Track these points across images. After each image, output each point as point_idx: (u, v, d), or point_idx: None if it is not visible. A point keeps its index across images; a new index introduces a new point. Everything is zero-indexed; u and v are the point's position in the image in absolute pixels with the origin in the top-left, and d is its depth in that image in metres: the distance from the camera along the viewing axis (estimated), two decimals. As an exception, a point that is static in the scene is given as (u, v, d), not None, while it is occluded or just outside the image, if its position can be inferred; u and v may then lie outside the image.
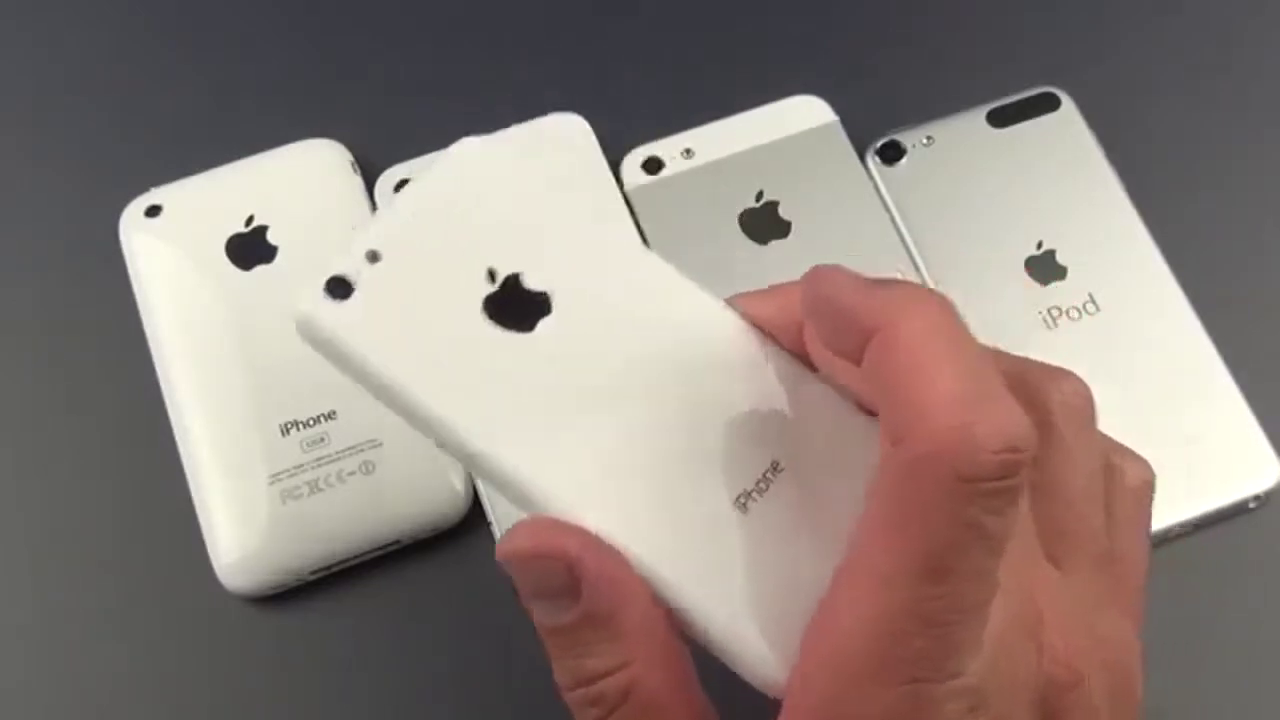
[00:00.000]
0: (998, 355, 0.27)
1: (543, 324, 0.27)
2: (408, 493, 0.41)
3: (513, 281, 0.27)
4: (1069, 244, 0.45)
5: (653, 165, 0.46)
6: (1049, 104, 0.47)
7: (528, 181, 0.28)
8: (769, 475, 0.27)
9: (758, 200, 0.46)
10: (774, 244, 0.45)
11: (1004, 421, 0.22)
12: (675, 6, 0.51)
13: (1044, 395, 0.27)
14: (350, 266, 0.26)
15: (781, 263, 0.45)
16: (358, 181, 0.46)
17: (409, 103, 0.49)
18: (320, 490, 0.41)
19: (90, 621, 0.41)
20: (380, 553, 0.42)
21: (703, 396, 0.27)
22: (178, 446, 0.42)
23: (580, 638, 0.25)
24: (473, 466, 0.27)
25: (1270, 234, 0.47)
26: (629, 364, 0.27)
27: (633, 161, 0.46)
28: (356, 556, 0.41)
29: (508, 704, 0.41)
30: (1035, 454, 0.23)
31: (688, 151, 0.47)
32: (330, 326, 0.26)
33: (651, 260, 0.29)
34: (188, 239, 0.45)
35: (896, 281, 0.26)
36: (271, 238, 0.45)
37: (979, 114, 0.47)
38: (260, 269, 0.44)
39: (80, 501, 0.43)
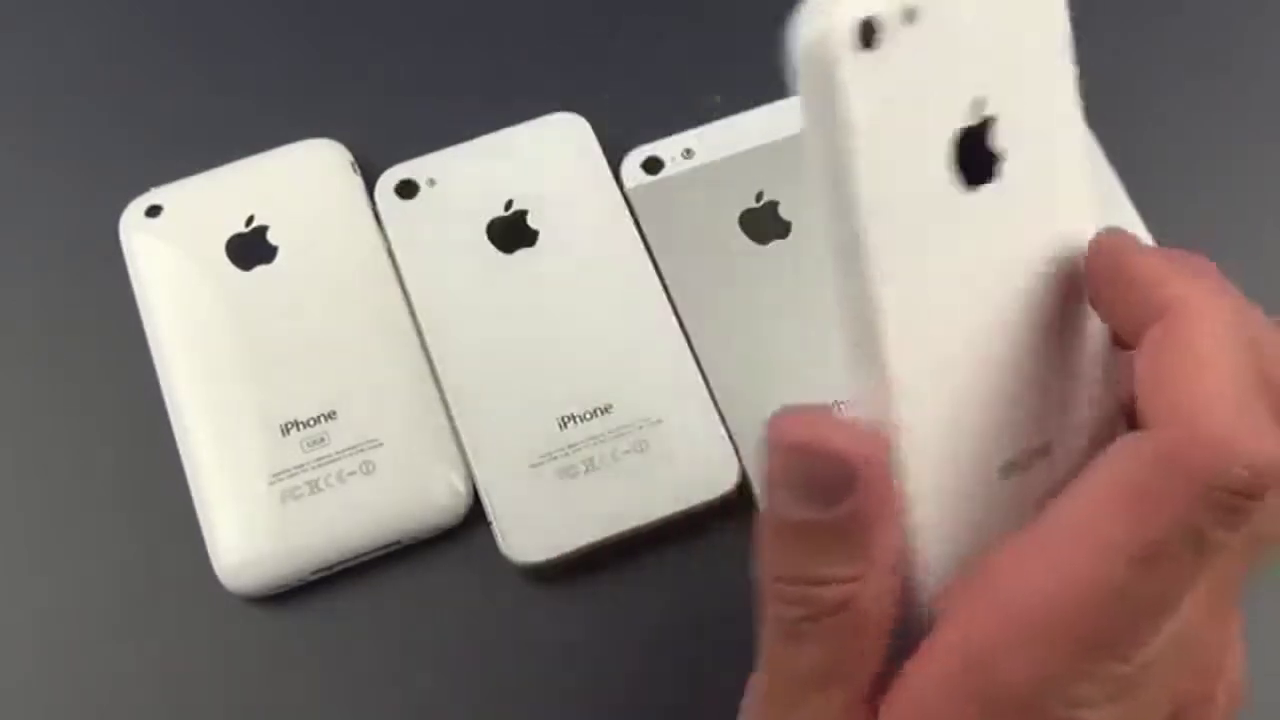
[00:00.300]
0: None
1: (992, 186, 0.24)
2: (408, 493, 0.41)
3: (989, 124, 0.24)
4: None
5: (653, 165, 0.46)
6: (1049, 104, 0.47)
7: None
8: (1038, 454, 0.26)
9: (758, 200, 0.46)
10: (774, 244, 0.45)
11: (1267, 445, 0.23)
12: (675, 7, 0.51)
13: None
14: (890, 15, 0.22)
15: (782, 263, 0.45)
16: (358, 181, 0.46)
17: (409, 103, 0.49)
18: (320, 490, 0.41)
19: (90, 621, 0.41)
20: (380, 553, 0.42)
21: (1039, 351, 0.26)
22: (178, 446, 0.42)
23: (825, 537, 0.25)
24: (848, 291, 0.25)
25: (1270, 234, 0.47)
26: (1019, 283, 0.25)
27: (633, 161, 0.46)
28: (356, 556, 0.41)
29: (508, 703, 0.41)
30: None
31: (688, 151, 0.47)
32: (847, 73, 0.22)
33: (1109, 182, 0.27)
34: (188, 239, 0.45)
35: (1194, 264, 0.26)
36: (271, 238, 0.45)
37: (979, 114, 0.47)
38: (260, 269, 0.44)
39: (80, 501, 0.43)
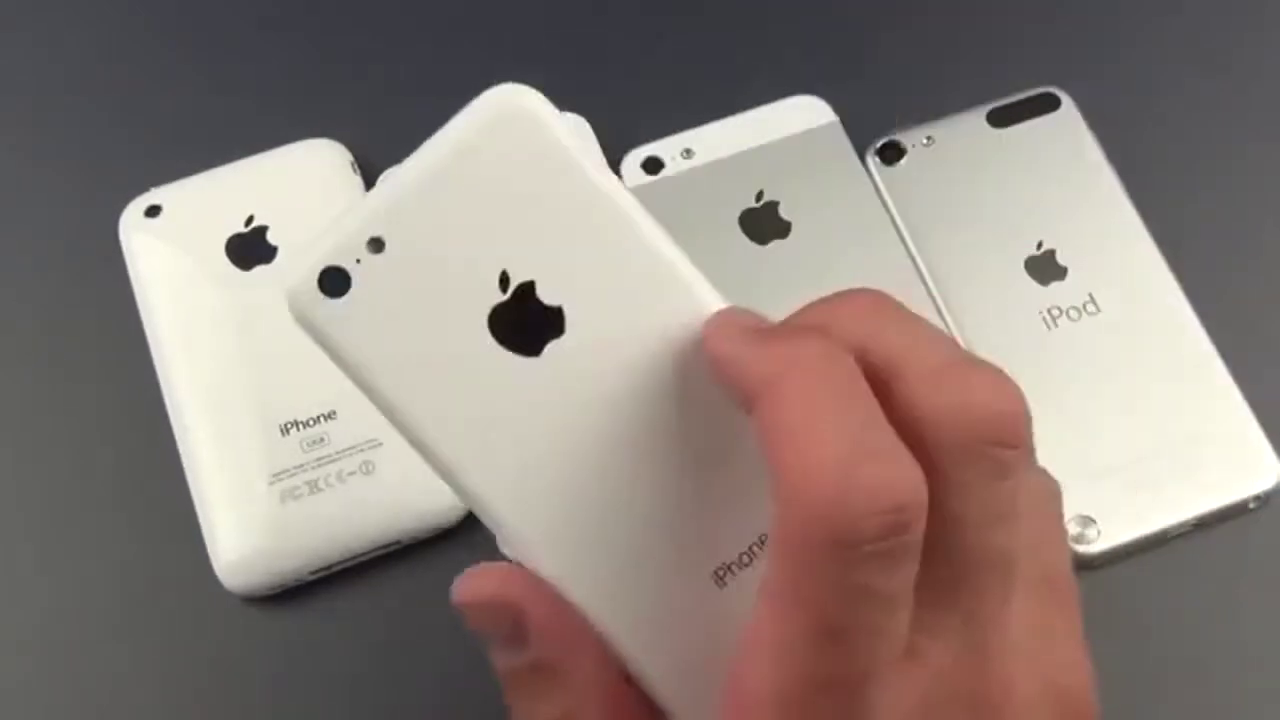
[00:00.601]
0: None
1: (551, 347, 0.25)
2: (408, 493, 0.41)
3: (526, 291, 0.24)
4: (1069, 244, 0.45)
5: (652, 165, 0.46)
6: (1049, 104, 0.47)
7: (551, 156, 0.25)
8: (755, 549, 0.26)
9: (758, 200, 0.46)
10: (774, 244, 0.45)
11: (886, 480, 0.22)
12: (675, 7, 0.51)
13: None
14: (349, 256, 0.24)
15: (782, 263, 0.45)
16: (358, 181, 0.46)
17: (409, 103, 0.49)
18: (320, 490, 0.41)
19: (90, 621, 0.41)
20: (380, 553, 0.42)
21: (703, 453, 0.25)
22: (178, 446, 0.42)
23: (529, 681, 0.26)
24: (449, 483, 0.25)
25: (1270, 234, 0.47)
26: (631, 407, 0.25)
27: (633, 161, 0.46)
28: (356, 556, 0.41)
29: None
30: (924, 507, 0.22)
31: (688, 151, 0.47)
32: (323, 320, 0.24)
33: (672, 267, 0.27)
34: (188, 239, 0.45)
35: (787, 330, 0.25)
36: (271, 238, 0.45)
37: (979, 114, 0.47)
38: (260, 269, 0.44)
39: (80, 501, 0.43)
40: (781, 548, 0.22)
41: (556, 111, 0.26)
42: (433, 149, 0.25)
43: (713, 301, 0.26)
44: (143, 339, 0.44)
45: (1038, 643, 0.25)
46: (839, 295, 0.25)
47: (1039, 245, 0.45)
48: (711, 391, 0.25)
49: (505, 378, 0.24)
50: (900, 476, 0.22)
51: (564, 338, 0.25)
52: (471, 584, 0.26)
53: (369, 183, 0.46)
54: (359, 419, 0.42)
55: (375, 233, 0.24)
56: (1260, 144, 0.48)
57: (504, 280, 0.24)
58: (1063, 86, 0.48)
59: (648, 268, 0.26)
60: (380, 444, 0.42)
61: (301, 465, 0.41)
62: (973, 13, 0.51)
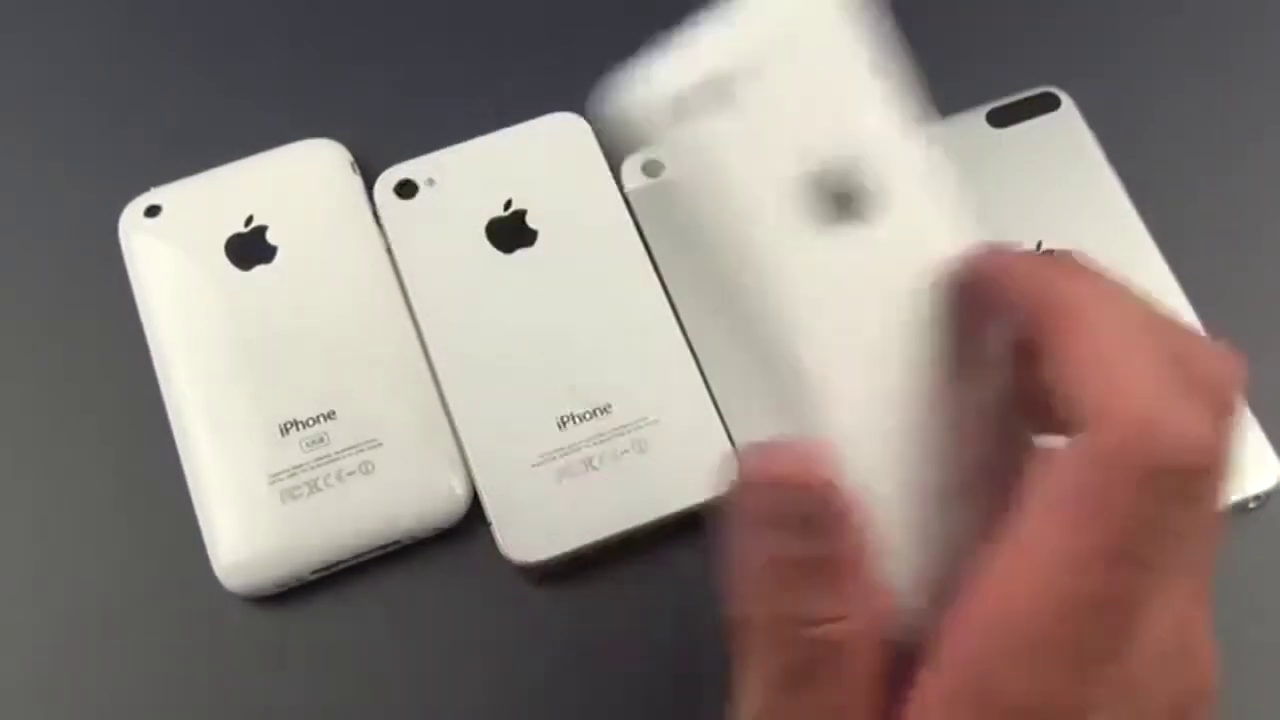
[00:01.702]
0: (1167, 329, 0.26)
1: (862, 233, 0.25)
2: (408, 493, 0.41)
3: (833, 170, 0.25)
4: (1069, 244, 0.45)
5: (653, 168, 0.46)
6: (1049, 104, 0.47)
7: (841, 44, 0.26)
8: (977, 470, 0.26)
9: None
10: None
11: (1198, 421, 0.23)
12: (675, 8, 0.51)
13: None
14: (726, 84, 0.24)
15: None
16: (358, 181, 0.46)
17: (409, 103, 0.49)
18: (320, 490, 0.41)
19: (90, 621, 0.41)
20: (380, 553, 0.42)
21: (943, 373, 0.26)
22: (178, 446, 0.42)
23: (812, 575, 0.24)
24: (766, 347, 0.25)
25: (1270, 234, 0.47)
26: (909, 314, 0.26)
27: (633, 164, 0.46)
28: (356, 556, 0.41)
29: (507, 703, 0.41)
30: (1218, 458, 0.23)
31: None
32: (703, 130, 0.24)
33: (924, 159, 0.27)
34: (188, 239, 0.45)
35: (1076, 262, 0.26)
36: (271, 238, 0.45)
37: (979, 114, 0.47)
38: (260, 269, 0.44)
39: (80, 501, 0.43)
40: (1076, 467, 0.23)
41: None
42: (749, 25, 0.26)
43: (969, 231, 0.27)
44: (142, 339, 0.44)
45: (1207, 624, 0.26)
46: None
47: (1039, 245, 0.45)
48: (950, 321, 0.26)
49: (820, 255, 0.25)
50: (1207, 422, 0.23)
51: (873, 228, 0.25)
52: (786, 458, 0.24)
53: (369, 183, 0.46)
54: (359, 419, 0.42)
55: (736, 70, 0.24)
56: (1260, 144, 0.48)
57: (807, 156, 0.25)
58: (1063, 86, 0.48)
59: (940, 188, 0.27)
60: (380, 444, 0.42)
61: (301, 465, 0.41)
62: (973, 13, 0.51)
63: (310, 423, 0.42)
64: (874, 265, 0.25)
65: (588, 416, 0.42)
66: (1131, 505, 0.22)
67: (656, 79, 0.24)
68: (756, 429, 0.42)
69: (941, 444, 0.26)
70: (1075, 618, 0.23)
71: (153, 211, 0.45)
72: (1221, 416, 0.24)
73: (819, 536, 0.24)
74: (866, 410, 0.25)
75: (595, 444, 0.42)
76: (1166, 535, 0.23)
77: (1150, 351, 0.23)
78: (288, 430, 0.42)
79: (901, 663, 0.25)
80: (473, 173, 0.46)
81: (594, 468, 0.41)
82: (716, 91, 0.24)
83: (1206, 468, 0.23)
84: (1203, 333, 0.26)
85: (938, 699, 0.24)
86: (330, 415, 0.42)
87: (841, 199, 0.25)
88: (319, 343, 0.43)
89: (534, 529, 0.41)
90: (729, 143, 0.24)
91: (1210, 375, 0.25)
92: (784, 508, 0.24)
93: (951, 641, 0.24)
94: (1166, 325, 0.25)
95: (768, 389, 0.25)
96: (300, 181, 0.46)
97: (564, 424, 0.42)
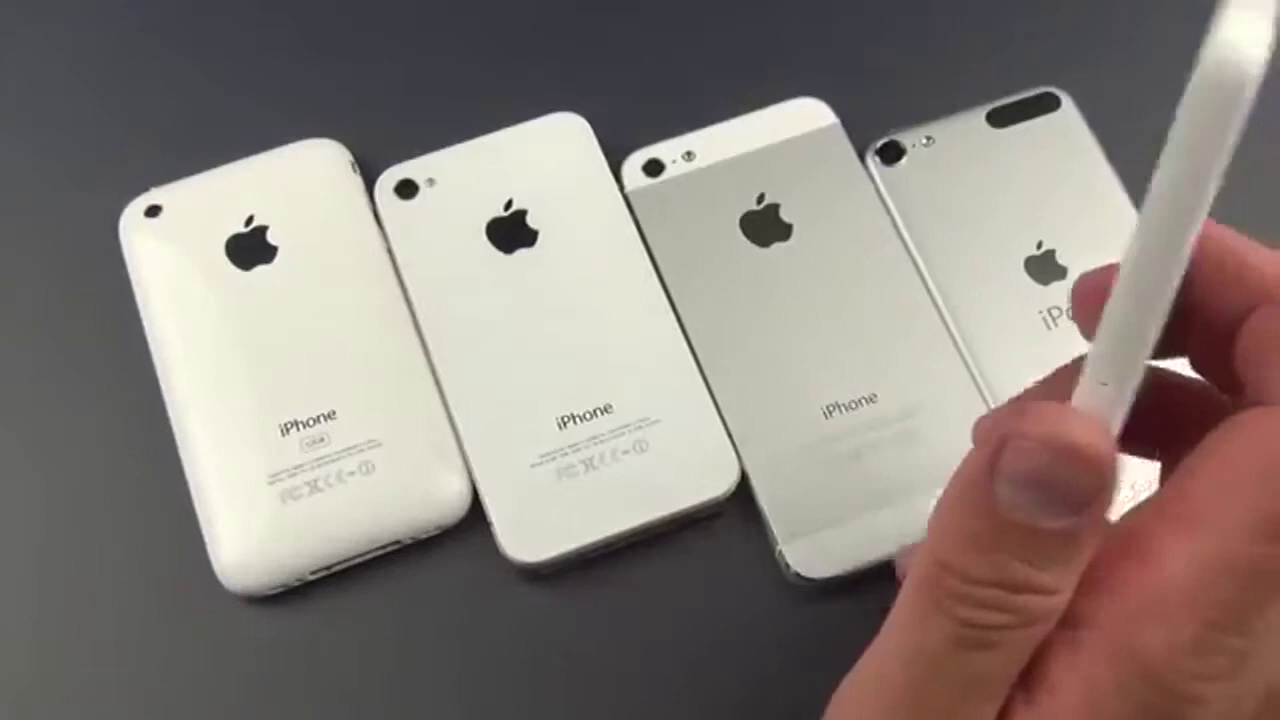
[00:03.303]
0: None
1: None
2: (408, 493, 0.41)
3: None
4: (1069, 244, 0.45)
5: (653, 168, 0.46)
6: (1049, 104, 0.47)
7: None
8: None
9: (759, 203, 0.46)
10: (775, 246, 0.45)
11: None
12: (676, 8, 0.51)
13: None
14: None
15: (783, 266, 0.45)
16: (358, 181, 0.46)
17: (409, 103, 0.49)
18: (320, 490, 0.41)
19: (90, 621, 0.41)
20: (380, 553, 0.42)
21: None
22: (178, 446, 0.42)
23: (1053, 546, 0.24)
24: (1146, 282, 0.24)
25: (1269, 234, 0.47)
26: None
27: (633, 164, 0.46)
28: (356, 556, 0.41)
29: (508, 703, 0.41)
30: None
31: (689, 154, 0.47)
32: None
33: None
34: (188, 239, 0.45)
35: None
36: (271, 238, 0.45)
37: (979, 114, 0.47)
38: (260, 269, 0.44)
39: (80, 501, 0.43)
40: (1259, 440, 0.23)
41: None
42: None
43: None
44: (143, 339, 0.44)
45: None
46: None
47: (1039, 245, 0.45)
48: None
49: None
50: None
51: None
52: (1078, 428, 0.23)
53: (369, 183, 0.46)
54: (359, 419, 0.42)
55: None
56: (1260, 144, 0.48)
57: None
58: (1063, 86, 0.48)
59: None
60: (380, 444, 0.42)
61: (301, 465, 0.41)
62: (973, 13, 0.51)
63: (310, 423, 0.42)
64: None
65: (588, 416, 0.42)
66: None
67: None
68: (756, 428, 0.42)
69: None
70: (1227, 585, 0.23)
71: (153, 211, 0.45)
72: None
73: (1079, 513, 0.24)
74: None
75: (595, 444, 0.42)
76: None
77: None
78: (288, 430, 0.42)
79: None
80: (473, 173, 0.46)
81: (594, 467, 0.41)
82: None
83: None
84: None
85: (1090, 658, 0.24)
86: (330, 415, 0.42)
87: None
88: (319, 343, 0.43)
89: (534, 529, 0.41)
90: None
91: None
92: (1061, 477, 0.23)
93: (1106, 591, 0.24)
94: None
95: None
96: (300, 181, 0.46)
97: (564, 424, 0.42)
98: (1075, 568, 0.24)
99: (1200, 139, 0.24)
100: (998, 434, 0.24)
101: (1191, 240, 0.23)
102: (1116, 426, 0.25)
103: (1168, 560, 0.24)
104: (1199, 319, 0.27)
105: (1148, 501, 0.25)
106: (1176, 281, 0.23)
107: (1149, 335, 0.24)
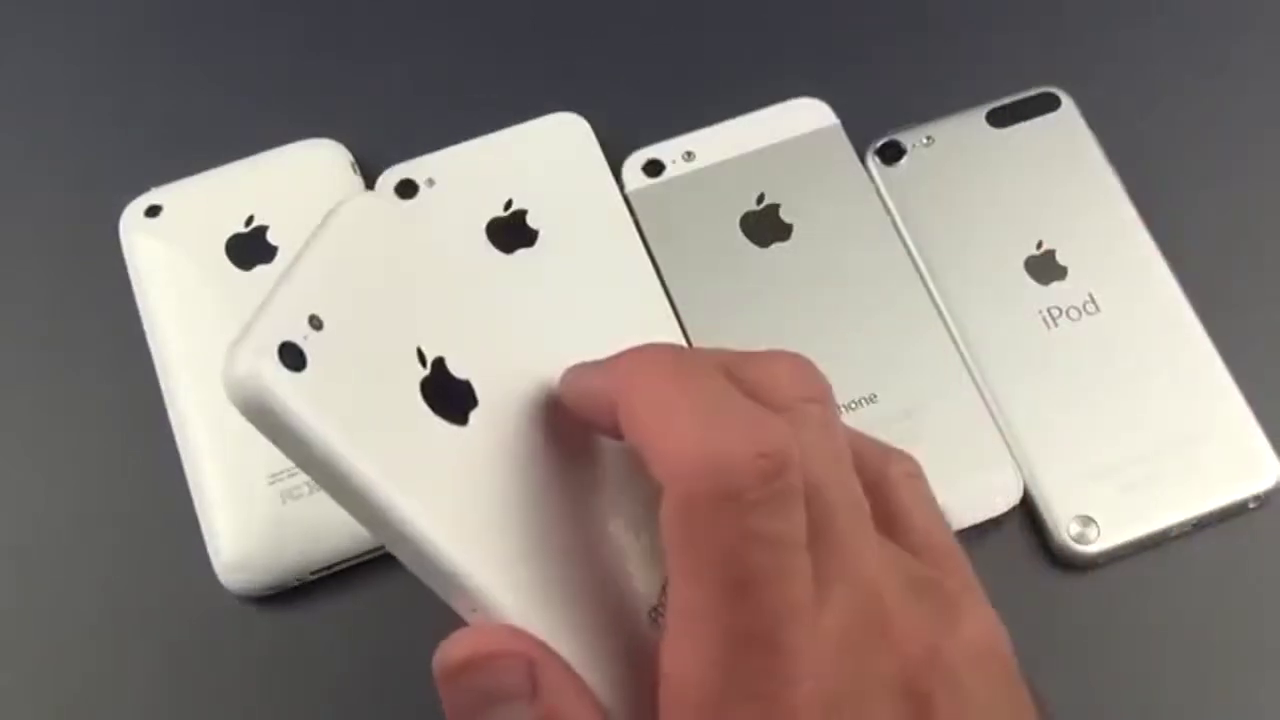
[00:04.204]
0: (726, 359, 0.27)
1: (474, 415, 0.26)
2: (408, 493, 0.41)
3: (439, 365, 0.26)
4: (1069, 244, 0.45)
5: (653, 168, 0.46)
6: (1049, 104, 0.47)
7: (417, 248, 0.27)
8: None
9: (759, 203, 0.46)
10: (775, 247, 0.45)
11: (750, 431, 0.23)
12: (676, 8, 0.51)
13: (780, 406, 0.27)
14: (297, 332, 0.24)
15: (783, 266, 0.45)
16: (358, 181, 0.46)
17: (409, 103, 0.49)
18: (320, 490, 0.41)
19: (90, 621, 0.41)
20: (380, 552, 0.41)
21: (615, 509, 0.27)
22: (178, 446, 0.42)
23: None
24: (402, 544, 0.25)
25: (1270, 234, 0.47)
26: (555, 467, 0.27)
27: (634, 164, 0.46)
28: (356, 556, 0.41)
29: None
30: (795, 449, 0.23)
31: (689, 154, 0.47)
32: (285, 397, 0.24)
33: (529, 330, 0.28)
34: (188, 239, 0.45)
35: (624, 351, 0.26)
36: (271, 238, 0.45)
37: (979, 114, 0.47)
38: (260, 269, 0.44)
39: (80, 501, 0.43)
40: (672, 526, 0.23)
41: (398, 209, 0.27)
42: (321, 244, 0.25)
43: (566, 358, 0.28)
44: (142, 339, 0.44)
45: (941, 600, 0.27)
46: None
47: (1039, 245, 0.45)
48: (611, 453, 0.27)
49: (444, 443, 0.25)
50: (766, 423, 0.23)
51: (479, 407, 0.26)
52: (477, 640, 0.25)
53: (369, 183, 0.46)
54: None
55: (313, 310, 0.24)
56: (1260, 144, 0.48)
57: (420, 356, 0.26)
58: (1063, 86, 0.48)
59: (516, 338, 0.28)
60: (380, 444, 0.42)
61: (301, 465, 0.41)
62: (973, 13, 0.51)
63: (310, 423, 0.42)
64: (494, 443, 0.26)
65: (588, 416, 0.42)
66: (723, 535, 0.23)
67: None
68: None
69: (630, 571, 0.27)
70: (730, 661, 0.23)
71: (153, 211, 0.45)
72: (788, 409, 0.25)
73: (535, 699, 0.25)
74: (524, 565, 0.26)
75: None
76: (776, 543, 0.23)
77: (696, 393, 0.24)
78: (288, 430, 0.42)
79: None
80: (473, 173, 0.46)
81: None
82: (311, 323, 0.24)
83: (779, 466, 0.23)
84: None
85: None
86: (330, 415, 0.42)
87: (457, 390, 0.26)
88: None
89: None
90: (345, 366, 0.25)
91: (765, 375, 0.26)
92: (499, 680, 0.25)
93: None
94: (701, 358, 0.27)
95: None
96: (300, 181, 0.46)
97: (564, 424, 0.42)
98: None
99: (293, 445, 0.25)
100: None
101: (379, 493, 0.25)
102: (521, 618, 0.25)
103: (682, 667, 0.24)
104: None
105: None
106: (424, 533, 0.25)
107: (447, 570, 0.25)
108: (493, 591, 0.25)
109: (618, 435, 0.25)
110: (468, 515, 0.25)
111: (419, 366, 0.25)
